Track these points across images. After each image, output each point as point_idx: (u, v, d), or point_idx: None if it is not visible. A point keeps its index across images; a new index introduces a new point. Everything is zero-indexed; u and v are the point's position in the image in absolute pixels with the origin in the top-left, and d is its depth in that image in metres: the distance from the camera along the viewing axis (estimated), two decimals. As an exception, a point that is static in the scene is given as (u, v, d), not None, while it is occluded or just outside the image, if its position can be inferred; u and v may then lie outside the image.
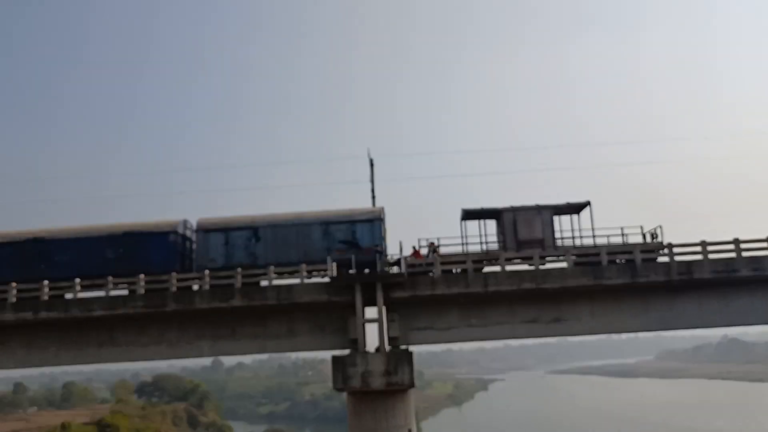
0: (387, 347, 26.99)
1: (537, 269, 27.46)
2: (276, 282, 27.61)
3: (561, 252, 28.60)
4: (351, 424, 27.56)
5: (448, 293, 27.27)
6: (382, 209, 30.97)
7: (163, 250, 30.08)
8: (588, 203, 30.13)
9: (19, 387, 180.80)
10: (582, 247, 29.27)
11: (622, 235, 29.44)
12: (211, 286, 27.61)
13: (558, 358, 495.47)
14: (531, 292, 27.58)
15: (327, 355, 28.06)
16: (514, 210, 29.98)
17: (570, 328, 28.93)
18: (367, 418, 26.81)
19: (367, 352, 26.81)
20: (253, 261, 29.81)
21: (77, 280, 27.75)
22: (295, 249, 29.86)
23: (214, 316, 28.46)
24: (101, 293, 27.49)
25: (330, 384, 27.58)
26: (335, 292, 27.39)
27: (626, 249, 28.26)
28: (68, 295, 27.85)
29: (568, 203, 30.05)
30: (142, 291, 27.52)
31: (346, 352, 27.35)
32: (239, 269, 27.63)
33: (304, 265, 27.77)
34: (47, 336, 28.57)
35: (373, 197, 29.64)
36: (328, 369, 27.62)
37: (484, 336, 28.49)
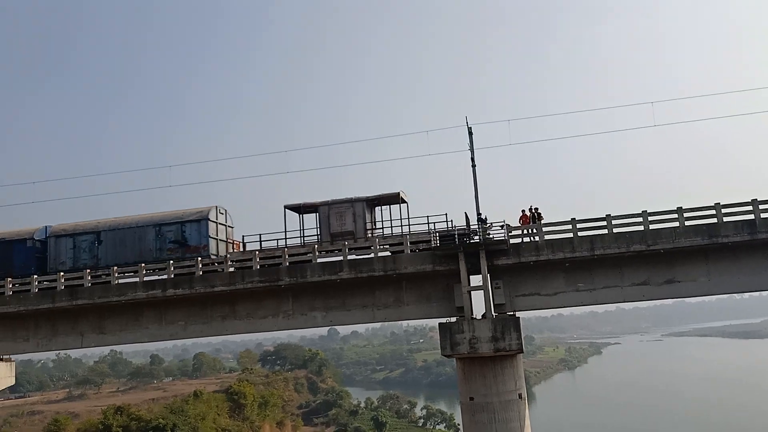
0: (493, 314, 27.12)
1: (646, 230, 26.51)
2: (382, 253, 28.41)
3: (371, 242, 29.34)
4: (461, 390, 28.08)
5: (553, 258, 26.93)
6: (210, 209, 32.57)
7: (22, 255, 33.58)
8: (398, 194, 31.39)
9: (155, 359, 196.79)
10: (390, 236, 30.59)
11: (428, 224, 30.36)
12: (321, 263, 28.83)
13: (675, 320, 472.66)
14: (641, 254, 26.68)
15: (436, 322, 28.63)
16: (329, 204, 31.67)
17: (684, 290, 27.72)
18: (477, 383, 27.21)
19: (473, 319, 27.09)
20: (96, 262, 32.74)
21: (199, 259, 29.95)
22: (131, 250, 32.50)
23: (325, 288, 29.76)
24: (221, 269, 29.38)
25: (440, 351, 28.25)
26: (439, 261, 27.78)
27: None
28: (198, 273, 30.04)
29: (381, 195, 31.47)
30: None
31: (453, 319, 27.78)
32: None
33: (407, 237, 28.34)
34: (176, 311, 31.10)
35: (473, 166, 29.49)
36: (438, 336, 28.19)
37: (593, 300, 27.87)
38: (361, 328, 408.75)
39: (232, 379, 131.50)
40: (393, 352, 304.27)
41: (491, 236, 27.24)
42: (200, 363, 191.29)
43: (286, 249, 30.02)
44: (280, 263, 29.17)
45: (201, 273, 29.56)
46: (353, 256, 28.82)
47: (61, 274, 31.32)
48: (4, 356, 35.34)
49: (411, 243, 28.70)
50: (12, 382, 37.28)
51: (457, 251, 27.07)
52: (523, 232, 28.14)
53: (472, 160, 29.48)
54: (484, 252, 26.94)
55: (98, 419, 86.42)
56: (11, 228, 35.07)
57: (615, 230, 26.76)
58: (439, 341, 27.95)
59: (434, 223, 30.25)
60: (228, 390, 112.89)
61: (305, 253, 29.65)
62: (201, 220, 32.28)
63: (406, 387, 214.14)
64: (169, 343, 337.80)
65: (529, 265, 27.54)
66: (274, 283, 28.99)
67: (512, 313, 27.77)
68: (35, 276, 31.62)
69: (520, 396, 27.22)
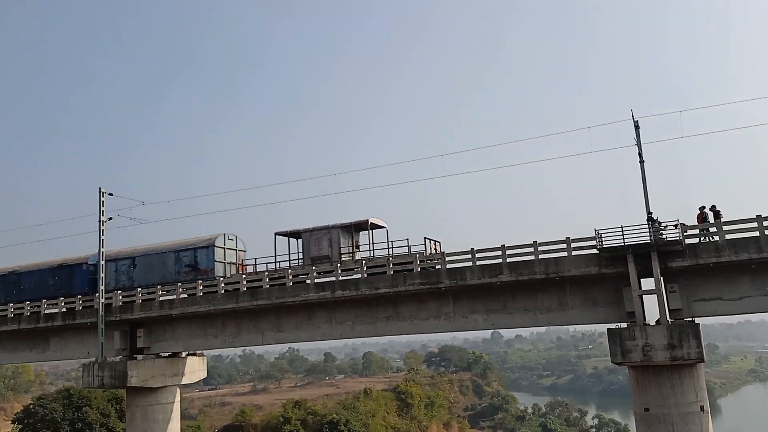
0: (669, 320, 25.22)
1: None
2: (543, 256, 27.65)
3: (349, 265, 32.18)
4: (635, 400, 26.47)
5: (736, 260, 24.43)
6: (217, 237, 37.12)
7: (80, 276, 40.52)
8: (367, 221, 33.86)
9: (328, 357, 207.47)
10: (366, 259, 32.56)
11: (408, 246, 32.11)
12: (480, 266, 28.73)
13: None
14: None
15: (605, 327, 27.25)
16: (309, 231, 34.76)
17: None
18: (653, 393, 25.47)
19: (646, 325, 25.43)
20: (131, 283, 38.79)
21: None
22: (157, 273, 38.23)
23: (485, 291, 29.59)
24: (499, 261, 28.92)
25: (610, 358, 26.84)
26: (606, 263, 26.44)
27: (406, 260, 30.91)
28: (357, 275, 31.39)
29: (355, 222, 34.27)
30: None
31: (623, 325, 26.27)
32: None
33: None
34: (344, 312, 32.69)
35: (642, 162, 27.65)
36: (608, 342, 26.78)
37: (787, 305, 24.88)
38: (525, 332, 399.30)
39: (399, 379, 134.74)
40: (560, 358, 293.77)
41: (664, 237, 25.36)
42: (369, 362, 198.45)
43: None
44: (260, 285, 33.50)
45: (366, 276, 30.76)
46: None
47: (243, 276, 34.25)
48: (197, 352, 39.43)
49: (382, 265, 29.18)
50: (204, 375, 41.46)
51: (625, 253, 25.57)
52: (700, 231, 25.87)
53: (640, 155, 27.68)
54: (656, 253, 25.17)
55: (279, 412, 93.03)
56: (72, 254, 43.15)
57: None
58: (608, 348, 26.55)
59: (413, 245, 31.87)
60: (395, 389, 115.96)
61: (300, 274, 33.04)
62: (209, 247, 37.11)
63: (575, 394, 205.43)
64: (340, 342, 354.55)
65: (708, 267, 25.22)
66: (435, 286, 29.38)
67: (690, 319, 25.64)
68: (221, 278, 34.89)
69: (702, 408, 25.03)
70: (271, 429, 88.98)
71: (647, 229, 25.41)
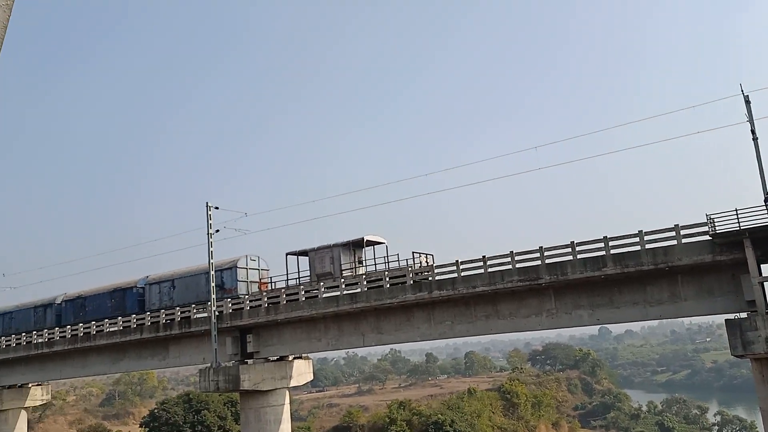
0: (795, 308, 23.32)
1: None
2: (650, 246, 26.35)
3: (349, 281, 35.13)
4: (760, 394, 24.67)
5: None
6: (240, 259, 41.31)
7: (131, 298, 46.44)
8: (362, 239, 37.01)
9: (430, 357, 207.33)
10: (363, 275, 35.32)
11: (398, 261, 34.86)
12: (582, 260, 27.79)
13: None
14: None
15: (722, 318, 25.61)
16: (315, 250, 38.10)
17: None
18: (781, 387, 23.66)
19: (769, 314, 23.62)
20: (172, 303, 43.42)
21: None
22: (192, 293, 42.68)
23: (589, 286, 28.57)
24: (480, 270, 29.99)
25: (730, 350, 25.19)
26: (720, 250, 24.82)
27: (400, 274, 33.21)
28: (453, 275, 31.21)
29: (350, 241, 37.25)
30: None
31: (743, 315, 24.56)
32: None
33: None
34: (442, 312, 32.60)
35: (755, 139, 25.73)
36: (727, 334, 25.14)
37: None
38: (635, 326, 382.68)
39: (503, 378, 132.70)
40: (675, 352, 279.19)
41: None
42: (471, 361, 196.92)
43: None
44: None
45: (462, 275, 30.53)
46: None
47: (342, 280, 34.95)
48: (303, 355, 40.61)
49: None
50: (311, 377, 42.64)
51: (742, 237, 23.88)
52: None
53: (753, 132, 25.77)
54: (777, 236, 23.34)
55: (384, 413, 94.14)
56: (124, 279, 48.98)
57: None
58: (728, 340, 24.90)
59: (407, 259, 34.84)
60: (500, 388, 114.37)
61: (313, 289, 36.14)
62: (232, 268, 41.30)
63: (694, 390, 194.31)
64: (442, 342, 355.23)
65: (838, 249, 23.13)
66: (534, 282, 28.72)
67: (821, 306, 23.58)
68: (322, 284, 35.81)
69: (840, 404, 22.96)
70: (378, 429, 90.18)
71: (764, 211, 23.62)
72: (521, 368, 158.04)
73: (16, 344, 49.41)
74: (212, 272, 39.16)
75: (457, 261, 30.99)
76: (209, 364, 39.19)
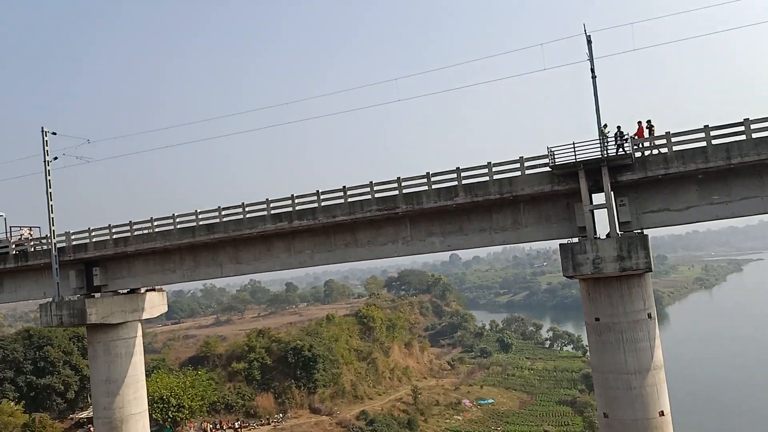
0: (618, 233, 26.07)
1: (794, 134, 23.95)
2: (498, 177, 27.93)
3: None
4: (586, 311, 27.60)
5: (684, 171, 25.04)
6: None
7: None
8: None
9: (290, 287, 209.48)
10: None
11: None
12: (436, 190, 28.91)
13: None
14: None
15: (558, 244, 27.98)
16: None
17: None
18: (603, 303, 26.59)
19: (597, 239, 26.18)
20: None
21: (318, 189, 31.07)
22: None
23: (442, 214, 29.92)
24: (341, 201, 30.30)
25: (562, 272, 27.76)
26: (558, 181, 26.86)
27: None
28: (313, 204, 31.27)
29: None
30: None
31: (575, 240, 27.04)
32: None
33: (522, 156, 27.62)
34: (303, 241, 32.74)
35: (594, 77, 27.72)
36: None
37: (729, 213, 25.78)
38: (482, 252, 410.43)
39: (361, 304, 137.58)
40: (516, 276, 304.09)
41: (618, 151, 25.78)
42: (330, 289, 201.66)
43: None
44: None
45: (322, 205, 30.67)
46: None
47: (197, 210, 33.77)
48: (156, 287, 39.21)
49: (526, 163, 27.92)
50: (165, 309, 41.42)
51: (576, 169, 26.00)
52: (649, 144, 26.37)
53: (592, 70, 27.71)
54: (606, 168, 25.65)
55: (243, 341, 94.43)
56: None
57: (754, 135, 24.34)
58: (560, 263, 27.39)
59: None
60: (357, 314, 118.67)
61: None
62: None
63: (531, 310, 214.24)
64: (302, 272, 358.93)
65: (657, 179, 25.87)
66: (392, 211, 29.54)
67: (639, 231, 26.54)
68: (174, 213, 34.35)
69: (649, 316, 26.32)
70: (236, 358, 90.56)
71: (598, 145, 25.77)
72: (378, 294, 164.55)
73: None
74: (50, 202, 36.07)
75: (317, 191, 30.98)
76: (51, 299, 36.73)
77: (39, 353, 74.96)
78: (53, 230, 35.90)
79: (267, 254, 33.59)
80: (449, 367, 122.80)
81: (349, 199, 30.19)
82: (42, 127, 36.00)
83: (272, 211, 31.65)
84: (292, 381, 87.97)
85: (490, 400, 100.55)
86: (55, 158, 36.24)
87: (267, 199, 31.87)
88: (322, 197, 30.76)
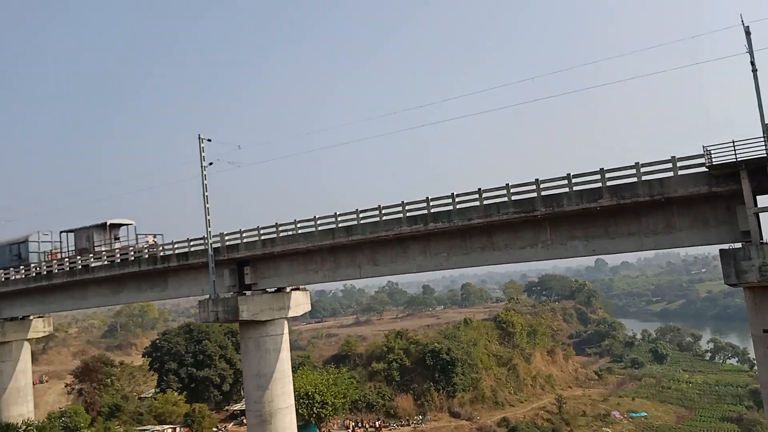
0: (790, 238, 23.31)
1: None
2: (647, 177, 26.11)
3: None
4: (753, 322, 25.01)
5: None
6: (31, 234, 50.44)
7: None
8: (105, 223, 47.18)
9: (426, 289, 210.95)
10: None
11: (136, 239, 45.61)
12: (578, 191, 27.59)
13: None
14: None
15: (717, 249, 25.62)
16: (77, 230, 48.48)
17: None
18: (772, 315, 23.95)
19: (764, 244, 23.63)
20: None
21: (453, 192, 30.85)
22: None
23: (585, 217, 28.51)
24: (476, 203, 29.89)
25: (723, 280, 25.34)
26: (716, 182, 24.58)
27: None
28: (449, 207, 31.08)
29: (102, 223, 47.34)
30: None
31: (738, 245, 24.57)
32: None
33: (674, 156, 25.56)
34: (438, 244, 32.69)
35: (754, 70, 24.97)
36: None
37: None
38: (631, 258, 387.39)
39: (499, 309, 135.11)
40: (670, 283, 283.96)
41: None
42: (468, 293, 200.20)
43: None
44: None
45: (457, 208, 30.42)
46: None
47: (336, 212, 34.84)
48: (301, 286, 41.04)
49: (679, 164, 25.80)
50: (308, 308, 43.24)
51: (738, 169, 23.60)
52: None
53: (752, 63, 25.02)
54: (774, 167, 23.04)
55: (382, 342, 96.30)
56: None
57: None
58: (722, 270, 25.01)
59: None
60: (496, 318, 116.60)
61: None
62: (25, 242, 50.03)
63: (688, 319, 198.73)
64: (438, 274, 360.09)
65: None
66: (530, 214, 28.62)
67: (813, 236, 23.57)
68: (315, 216, 35.76)
69: (829, 331, 23.29)
70: (376, 358, 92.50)
71: (762, 143, 23.22)
72: (517, 299, 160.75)
73: (15, 277, 49.88)
74: (206, 204, 38.98)
75: (452, 194, 30.80)
76: (208, 296, 39.67)
77: (198, 347, 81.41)
78: (209, 231, 38.76)
79: (403, 256, 33.95)
80: (596, 377, 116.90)
81: (485, 202, 29.67)
82: (199, 135, 39.01)
83: (407, 214, 31.93)
84: (431, 383, 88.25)
85: (643, 413, 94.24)
86: (210, 164, 39.08)
87: (402, 202, 32.19)
88: (457, 200, 30.51)
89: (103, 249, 46.48)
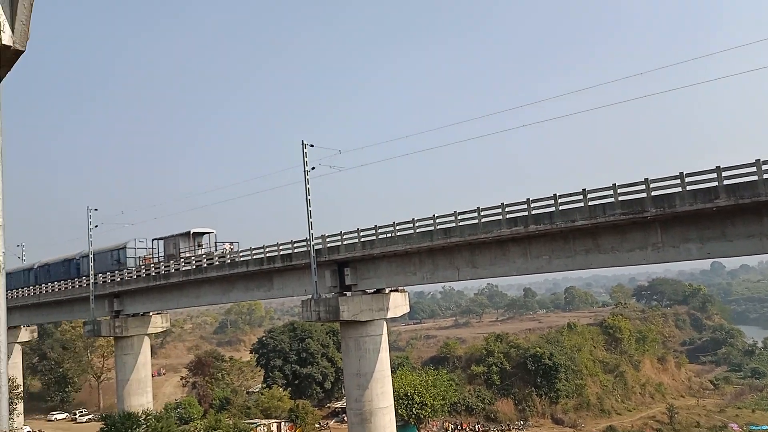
0: None
1: None
2: (769, 174, 24.21)
3: None
4: None
5: None
6: (128, 241, 56.81)
7: (73, 267, 63.00)
8: (189, 231, 53.12)
9: (528, 292, 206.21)
10: None
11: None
12: (691, 191, 26.03)
13: None
14: None
15: None
16: (164, 238, 54.19)
17: None
18: None
19: None
20: (87, 273, 58.78)
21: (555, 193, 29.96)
22: (102, 266, 57.59)
23: (699, 218, 26.86)
24: (580, 204, 28.92)
25: None
26: None
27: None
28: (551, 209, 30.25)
29: (186, 232, 53.19)
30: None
31: None
32: None
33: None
34: (539, 246, 31.88)
35: None
36: None
37: None
38: (752, 260, 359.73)
39: (606, 313, 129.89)
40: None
41: None
42: (572, 296, 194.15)
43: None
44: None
45: (560, 209, 29.55)
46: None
47: (434, 214, 34.84)
48: (399, 288, 41.35)
49: None
50: (407, 309, 43.49)
51: None
52: None
53: None
54: None
55: (482, 345, 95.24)
56: None
57: None
58: None
59: None
60: (602, 323, 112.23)
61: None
62: (123, 248, 56.49)
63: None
64: (540, 277, 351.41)
65: None
66: (639, 215, 27.30)
67: None
68: (414, 218, 35.94)
69: None
70: (475, 360, 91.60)
71: None
72: (625, 303, 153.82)
73: (137, 276, 53.63)
74: (308, 208, 40.13)
75: (554, 195, 29.95)
76: (310, 296, 40.83)
77: (301, 345, 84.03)
78: (311, 233, 39.89)
79: (503, 259, 33.39)
80: (712, 387, 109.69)
81: (590, 203, 28.61)
82: (302, 141, 40.22)
83: (507, 216, 31.37)
84: (533, 388, 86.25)
85: (765, 427, 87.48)
86: (313, 168, 40.19)
87: (502, 203, 31.66)
88: (559, 201, 29.63)
89: (187, 254, 51.87)
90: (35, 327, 76.32)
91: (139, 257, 56.08)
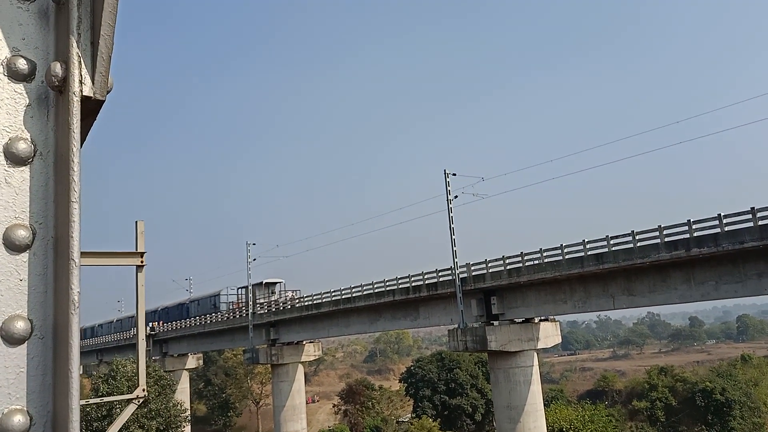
0: None
1: None
2: None
3: None
4: None
5: None
6: (221, 290, 71.87)
7: (184, 310, 78.25)
8: (262, 282, 65.61)
9: (694, 321, 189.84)
10: None
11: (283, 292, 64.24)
12: None
13: None
14: None
15: None
16: (254, 285, 63.62)
17: None
18: None
19: None
20: (195, 314, 74.22)
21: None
22: (203, 311, 72.98)
23: None
24: (750, 224, 26.42)
25: None
26: None
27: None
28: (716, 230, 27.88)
29: (260, 282, 65.50)
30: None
31: None
32: None
33: None
34: (704, 271, 29.38)
35: None
36: None
37: None
38: None
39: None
40: None
41: None
42: (745, 325, 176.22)
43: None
44: None
45: (726, 230, 27.15)
46: None
47: (585, 239, 33.41)
48: (550, 317, 39.94)
49: None
50: (558, 340, 41.83)
51: None
52: None
53: None
54: None
55: (643, 378, 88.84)
56: None
57: None
58: None
59: None
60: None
61: None
62: (218, 295, 71.18)
63: None
64: (708, 305, 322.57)
65: None
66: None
67: None
68: (562, 244, 34.68)
69: None
70: (637, 395, 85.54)
71: None
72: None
73: (291, 306, 56.58)
74: (452, 236, 40.20)
75: (719, 215, 27.61)
76: (456, 325, 40.64)
77: (450, 375, 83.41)
78: (456, 262, 39.87)
79: (662, 285, 31.16)
80: None
81: (759, 222, 26.02)
82: (444, 170, 40.65)
83: (665, 239, 29.34)
84: (703, 426, 78.67)
85: None
86: (456, 197, 40.39)
87: (659, 226, 29.70)
88: (725, 221, 27.24)
89: (261, 301, 62.94)
90: (201, 354, 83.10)
91: (231, 302, 68.85)
